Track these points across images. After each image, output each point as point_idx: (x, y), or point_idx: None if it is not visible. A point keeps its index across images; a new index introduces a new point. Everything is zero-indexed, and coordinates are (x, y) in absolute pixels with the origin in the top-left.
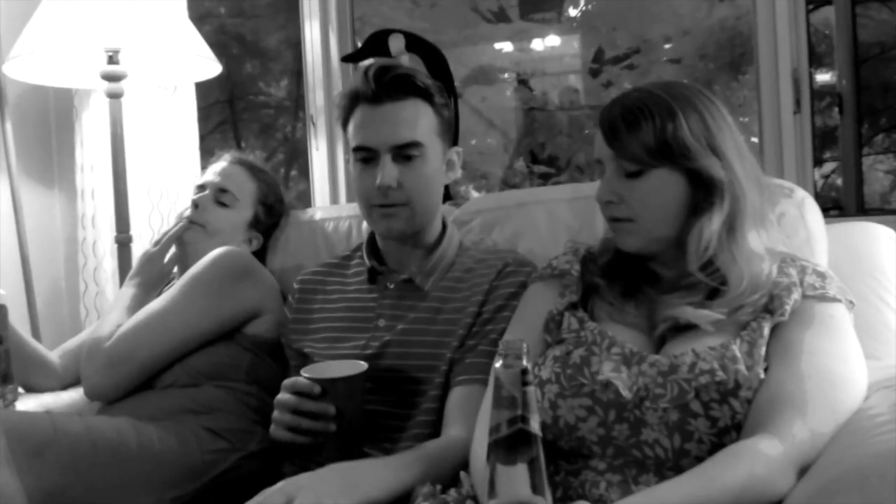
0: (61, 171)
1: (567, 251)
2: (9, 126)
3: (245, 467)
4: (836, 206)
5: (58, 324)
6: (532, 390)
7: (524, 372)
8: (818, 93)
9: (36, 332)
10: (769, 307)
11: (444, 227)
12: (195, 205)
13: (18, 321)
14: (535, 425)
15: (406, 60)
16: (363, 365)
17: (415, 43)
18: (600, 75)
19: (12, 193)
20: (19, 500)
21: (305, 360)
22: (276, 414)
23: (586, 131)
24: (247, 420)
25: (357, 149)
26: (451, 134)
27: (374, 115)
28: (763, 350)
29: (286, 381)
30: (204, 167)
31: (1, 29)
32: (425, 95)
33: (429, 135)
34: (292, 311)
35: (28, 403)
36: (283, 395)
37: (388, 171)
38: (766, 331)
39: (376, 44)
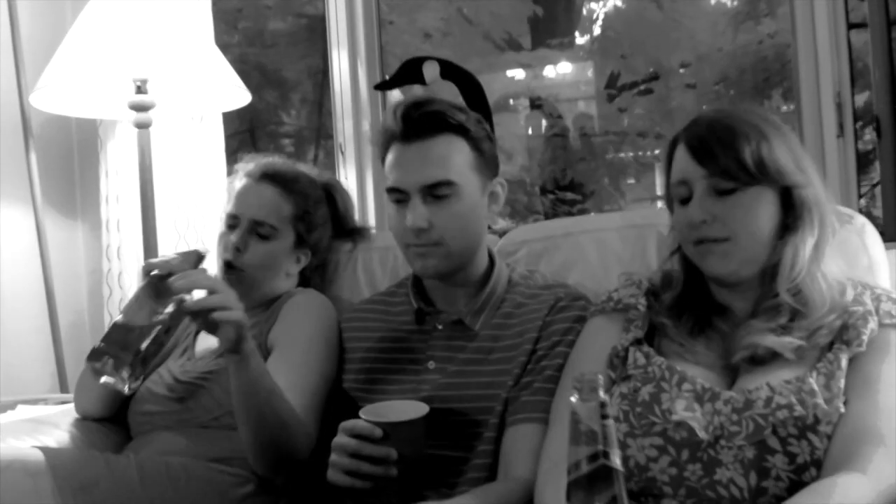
0: (85, 202)
1: (627, 284)
2: (33, 157)
3: None
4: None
5: (82, 356)
6: (611, 423)
7: (602, 405)
8: (856, 115)
9: (61, 365)
10: (845, 337)
11: (492, 262)
12: (237, 248)
13: (42, 354)
14: (616, 460)
15: (442, 88)
16: (425, 407)
17: (450, 70)
18: (616, 100)
19: (37, 225)
20: None
21: (346, 398)
22: (334, 457)
23: (608, 156)
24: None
25: (389, 190)
26: (493, 166)
27: (405, 155)
28: (842, 383)
29: (345, 424)
30: None
31: (26, 60)
32: (459, 130)
33: (463, 171)
34: (342, 350)
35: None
36: (341, 438)
37: (418, 212)
38: (844, 363)
39: (410, 71)
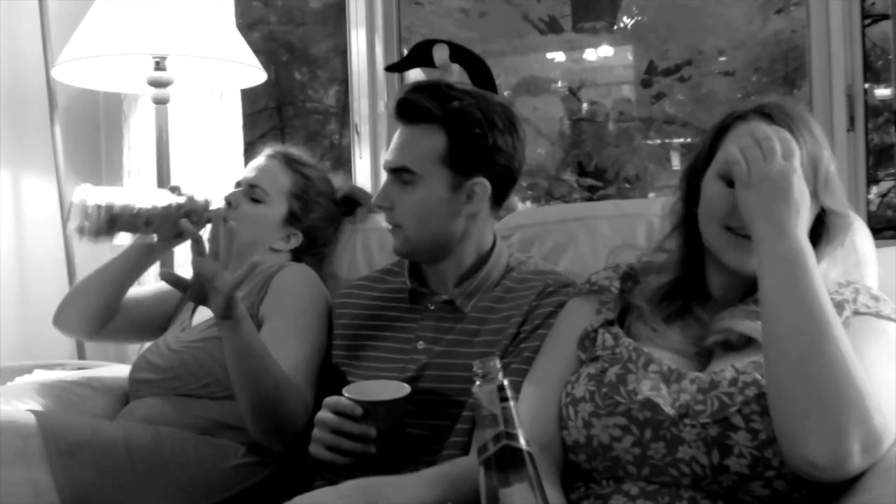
0: (109, 174)
1: (607, 267)
2: (58, 129)
3: (275, 481)
4: (890, 226)
5: None
6: (512, 406)
7: (500, 388)
8: (877, 109)
9: None
10: None
11: (493, 247)
12: (228, 203)
13: None
14: (521, 441)
15: (454, 71)
16: (406, 388)
17: (459, 53)
18: (651, 86)
19: (59, 194)
20: (51, 497)
21: (335, 372)
22: (316, 432)
23: (636, 142)
24: None
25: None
26: (481, 163)
27: (396, 135)
28: None
29: (328, 400)
30: None
31: (53, 34)
32: (439, 122)
33: (427, 162)
34: (334, 326)
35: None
36: (324, 414)
37: (383, 190)
38: None
39: (421, 53)
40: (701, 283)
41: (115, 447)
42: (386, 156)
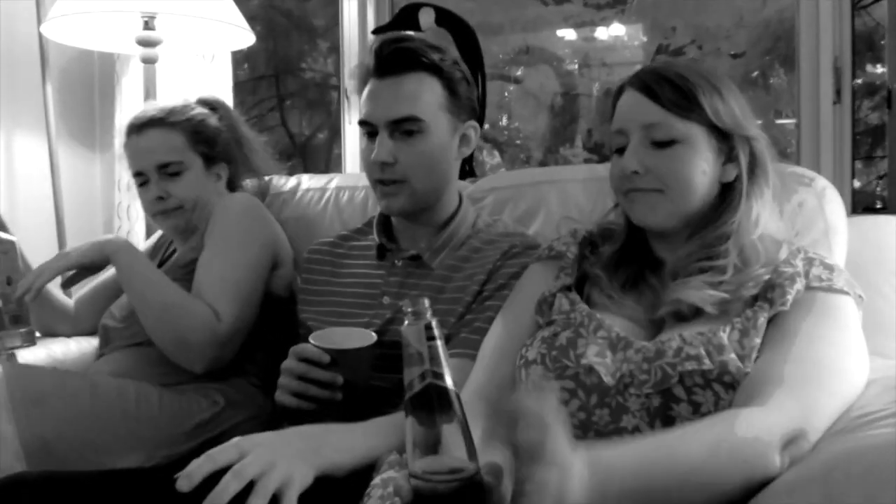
0: (103, 135)
1: (567, 233)
2: (49, 88)
3: (241, 429)
4: (885, 204)
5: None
6: (438, 345)
7: (428, 327)
8: (874, 87)
9: (68, 295)
10: (769, 296)
11: (460, 203)
12: (158, 197)
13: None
14: (447, 380)
15: (431, 35)
16: (372, 336)
17: (445, 17)
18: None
19: (50, 156)
20: (14, 446)
21: (309, 331)
22: (282, 379)
23: None
24: (247, 384)
25: (361, 123)
26: (469, 109)
27: (377, 90)
28: (757, 340)
29: (295, 348)
30: None
31: None
32: (431, 68)
33: (433, 109)
34: (301, 280)
35: (38, 353)
36: (290, 362)
37: (383, 146)
38: (762, 320)
39: (407, 17)
40: (647, 249)
41: (80, 398)
42: (376, 110)
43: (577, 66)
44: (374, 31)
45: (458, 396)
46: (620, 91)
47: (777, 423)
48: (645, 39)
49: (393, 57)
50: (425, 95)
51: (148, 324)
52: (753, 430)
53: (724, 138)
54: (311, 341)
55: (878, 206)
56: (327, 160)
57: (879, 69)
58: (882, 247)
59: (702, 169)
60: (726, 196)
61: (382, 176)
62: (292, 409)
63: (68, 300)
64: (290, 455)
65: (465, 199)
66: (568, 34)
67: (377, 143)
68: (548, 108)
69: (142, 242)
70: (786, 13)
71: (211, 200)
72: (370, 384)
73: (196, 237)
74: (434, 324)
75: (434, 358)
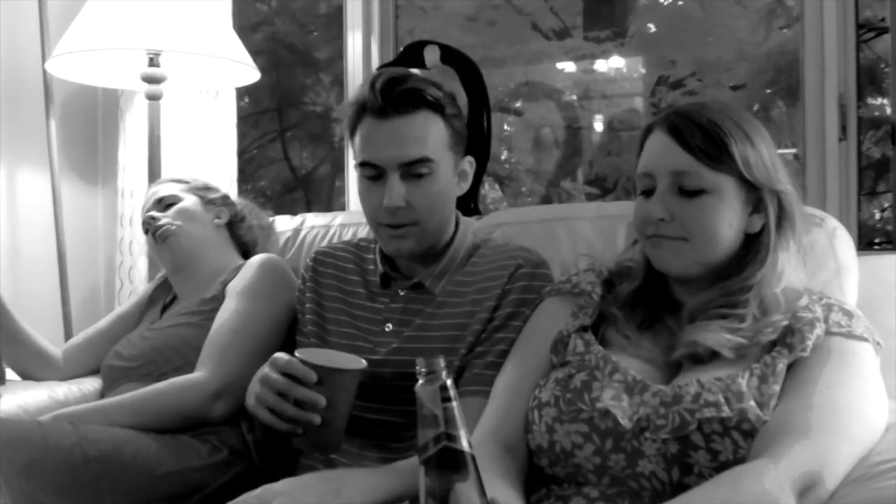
0: (105, 170)
1: (589, 269)
2: (53, 124)
3: (244, 481)
4: (889, 239)
5: (95, 321)
6: (454, 406)
7: (443, 388)
8: (877, 120)
9: (69, 330)
10: (788, 341)
11: (457, 226)
12: (156, 222)
13: (51, 318)
14: (463, 443)
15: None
16: (363, 362)
17: (450, 55)
18: (656, 96)
19: (53, 191)
20: None
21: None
22: (260, 390)
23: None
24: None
25: (363, 164)
26: (464, 143)
27: (382, 130)
28: (776, 387)
29: (279, 360)
30: (241, 171)
31: (51, 28)
32: (436, 107)
33: (440, 149)
34: (306, 287)
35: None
36: (273, 374)
37: (395, 190)
38: (781, 366)
39: (412, 55)
40: (666, 290)
41: (71, 458)
42: (384, 153)
43: (576, 98)
44: (379, 70)
45: (474, 458)
46: (649, 130)
47: (788, 474)
48: (644, 72)
49: (401, 96)
50: (432, 135)
51: (153, 427)
52: (762, 485)
53: (753, 189)
54: (298, 356)
55: (882, 240)
56: (329, 193)
57: (879, 101)
58: (891, 285)
59: (728, 221)
60: (751, 247)
61: (393, 220)
62: (259, 422)
63: (54, 348)
64: (312, 501)
65: (462, 219)
66: (568, 66)
67: (388, 187)
68: (549, 141)
69: (144, 280)
70: (787, 46)
71: (212, 250)
72: (351, 409)
73: (212, 286)
74: (449, 384)
75: (449, 420)
